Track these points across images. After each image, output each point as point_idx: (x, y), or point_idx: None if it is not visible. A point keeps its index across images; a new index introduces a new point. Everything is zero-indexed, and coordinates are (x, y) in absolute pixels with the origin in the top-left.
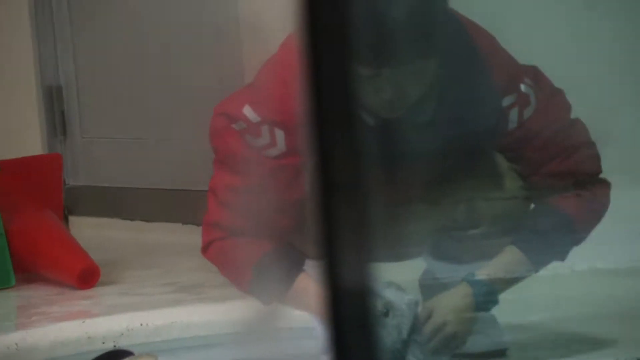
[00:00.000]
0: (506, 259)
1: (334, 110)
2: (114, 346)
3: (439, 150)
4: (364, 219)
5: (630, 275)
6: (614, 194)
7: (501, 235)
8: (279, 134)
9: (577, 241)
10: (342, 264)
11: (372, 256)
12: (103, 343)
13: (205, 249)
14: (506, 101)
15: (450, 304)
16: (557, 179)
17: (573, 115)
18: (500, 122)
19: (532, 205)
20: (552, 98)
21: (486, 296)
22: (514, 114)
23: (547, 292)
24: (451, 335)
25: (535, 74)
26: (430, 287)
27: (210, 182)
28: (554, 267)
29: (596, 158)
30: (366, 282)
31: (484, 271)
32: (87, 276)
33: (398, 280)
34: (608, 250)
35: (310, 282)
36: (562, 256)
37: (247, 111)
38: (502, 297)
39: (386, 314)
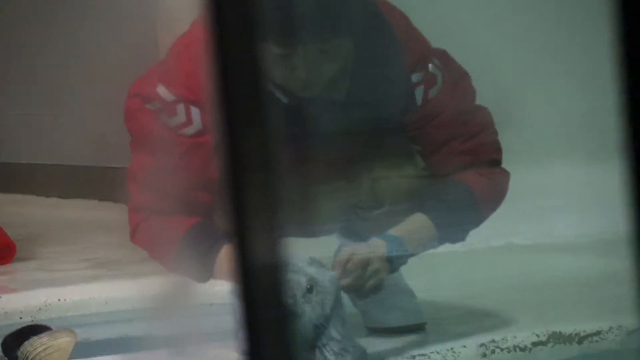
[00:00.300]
0: (414, 224)
1: (242, 89)
2: (32, 321)
3: (352, 130)
4: (274, 197)
5: (544, 250)
6: (529, 171)
7: (404, 214)
8: (195, 112)
9: (477, 222)
10: (253, 241)
11: (283, 233)
12: (20, 318)
13: (133, 235)
14: (413, 78)
15: (368, 250)
16: (457, 160)
17: (480, 100)
18: (406, 99)
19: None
20: (459, 81)
21: (398, 251)
22: (419, 92)
23: (463, 268)
24: (376, 271)
25: (444, 57)
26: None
27: (129, 167)
28: (469, 243)
29: (497, 144)
30: (278, 258)
31: (396, 230)
32: (3, 252)
33: (315, 257)
34: (523, 227)
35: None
36: (462, 236)
37: (161, 90)
38: (419, 273)
39: (310, 290)
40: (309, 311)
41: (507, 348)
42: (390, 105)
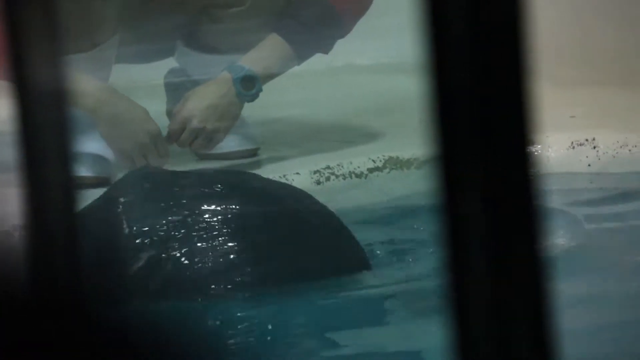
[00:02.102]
0: (269, 46)
1: None
2: None
3: None
4: (53, 10)
5: (384, 71)
6: None
7: (263, 18)
8: None
9: (342, 34)
10: (31, 64)
11: (64, 52)
12: None
13: None
14: None
15: (206, 95)
16: None
17: None
18: None
19: None
20: None
21: (248, 83)
22: None
23: (302, 88)
24: (199, 130)
25: None
26: (178, 87)
27: None
28: (310, 63)
29: None
30: (60, 84)
31: (246, 59)
32: None
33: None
34: (364, 47)
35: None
36: (326, 49)
37: None
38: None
39: None
40: None
41: (343, 175)
42: None
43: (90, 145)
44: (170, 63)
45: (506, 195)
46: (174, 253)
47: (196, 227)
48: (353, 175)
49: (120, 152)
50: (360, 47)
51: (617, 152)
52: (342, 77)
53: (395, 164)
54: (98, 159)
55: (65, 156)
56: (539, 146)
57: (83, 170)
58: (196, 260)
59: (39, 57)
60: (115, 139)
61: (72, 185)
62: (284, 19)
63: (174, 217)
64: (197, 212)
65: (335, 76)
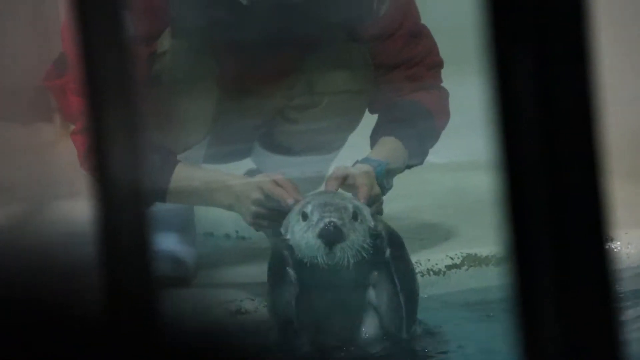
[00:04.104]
0: (388, 147)
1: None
2: None
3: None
4: (135, 117)
5: (460, 169)
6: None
7: (337, 120)
8: None
9: (434, 142)
10: (115, 164)
11: (145, 157)
12: None
13: (86, 159)
14: None
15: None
16: (404, 84)
17: None
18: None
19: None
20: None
21: (388, 177)
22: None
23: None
24: (378, 195)
25: None
26: None
27: (69, 80)
28: (385, 162)
29: (440, 65)
30: (139, 185)
31: (378, 154)
32: None
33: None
34: (438, 145)
35: (191, 169)
36: (421, 159)
37: None
38: None
39: (355, 217)
40: (353, 237)
41: (421, 272)
42: (347, 12)
43: (169, 243)
44: (248, 163)
45: (583, 294)
46: None
47: None
48: (431, 273)
49: (250, 224)
50: (436, 146)
51: None
52: (417, 175)
53: (474, 261)
54: (175, 258)
55: (145, 255)
56: (618, 243)
57: (161, 269)
58: None
59: (122, 155)
60: (243, 215)
61: (153, 284)
62: (393, 123)
63: None
64: None
65: (410, 174)
